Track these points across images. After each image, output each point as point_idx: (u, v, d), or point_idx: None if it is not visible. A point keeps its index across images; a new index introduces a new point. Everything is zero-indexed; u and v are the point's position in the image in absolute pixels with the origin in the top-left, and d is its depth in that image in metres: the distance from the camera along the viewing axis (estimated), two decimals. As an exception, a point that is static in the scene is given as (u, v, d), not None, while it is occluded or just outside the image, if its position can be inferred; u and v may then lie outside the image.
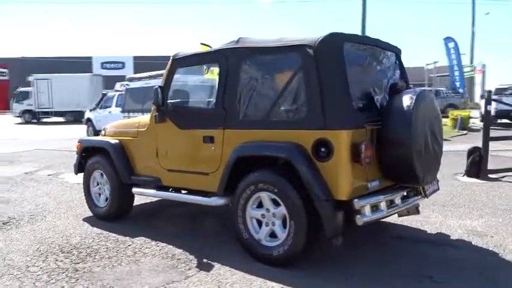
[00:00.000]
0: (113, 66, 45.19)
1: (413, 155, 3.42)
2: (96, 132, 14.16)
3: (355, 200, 3.26)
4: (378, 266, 3.65)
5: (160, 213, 5.57)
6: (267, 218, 3.64)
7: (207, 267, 3.67)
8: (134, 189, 4.80)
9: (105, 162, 5.05)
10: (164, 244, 4.27)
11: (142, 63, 41.92)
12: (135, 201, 5.30)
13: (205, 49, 19.41)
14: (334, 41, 3.47)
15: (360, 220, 3.25)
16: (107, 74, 36.03)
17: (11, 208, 5.86)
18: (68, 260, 3.91)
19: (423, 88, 4.02)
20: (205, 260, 3.82)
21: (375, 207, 3.37)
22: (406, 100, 3.49)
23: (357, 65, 3.77)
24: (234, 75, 3.90)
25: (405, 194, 3.75)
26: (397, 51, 4.30)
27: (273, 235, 3.65)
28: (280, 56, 3.69)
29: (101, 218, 5.15)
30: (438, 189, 4.23)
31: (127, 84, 13.50)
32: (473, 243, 4.18)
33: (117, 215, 5.09)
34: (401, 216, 4.36)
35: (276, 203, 3.57)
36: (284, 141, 3.51)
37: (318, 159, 3.34)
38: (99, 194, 5.29)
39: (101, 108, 15.31)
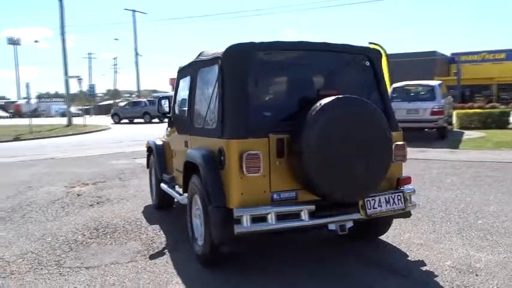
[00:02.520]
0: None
1: (313, 166, 3.23)
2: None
3: (235, 209, 3.29)
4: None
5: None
6: (200, 218, 3.94)
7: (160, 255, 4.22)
8: (161, 185, 5.60)
9: (153, 160, 6.03)
10: (157, 233, 4.96)
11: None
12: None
13: (374, 48, 19.02)
14: (238, 52, 3.53)
15: (235, 230, 3.27)
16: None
17: (115, 192, 7.42)
18: (88, 233, 5.00)
19: (347, 96, 3.51)
20: (166, 251, 4.36)
21: (259, 219, 3.30)
22: (314, 108, 3.29)
23: (277, 73, 3.68)
24: (192, 86, 4.32)
25: (315, 208, 3.42)
26: (368, 54, 3.92)
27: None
28: (209, 68, 3.93)
29: (154, 208, 6.13)
30: (403, 209, 3.67)
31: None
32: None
33: (159, 206, 6.00)
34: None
35: None
36: (205, 148, 3.75)
37: (220, 167, 3.49)
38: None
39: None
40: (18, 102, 54.95)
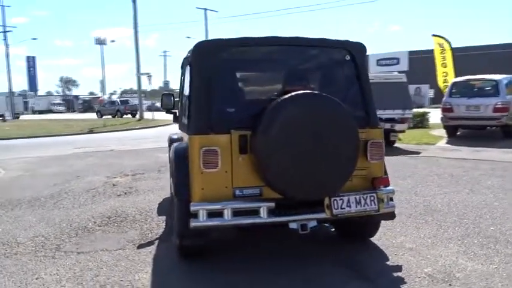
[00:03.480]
0: (388, 62, 45.57)
1: (268, 163, 3.22)
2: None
3: (192, 203, 3.35)
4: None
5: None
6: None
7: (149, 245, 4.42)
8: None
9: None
10: (159, 224, 5.16)
11: (417, 58, 40.72)
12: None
13: (437, 41, 17.90)
14: (203, 49, 3.57)
15: (191, 223, 3.32)
16: (382, 70, 37.05)
17: (147, 184, 7.80)
18: (100, 221, 5.35)
19: (307, 92, 3.37)
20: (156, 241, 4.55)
21: (216, 214, 3.33)
22: (272, 105, 3.25)
23: (245, 70, 3.66)
24: (181, 83, 4.46)
25: (275, 206, 3.38)
26: (349, 48, 3.78)
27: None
28: (188, 64, 4.00)
29: (170, 200, 6.38)
30: (376, 211, 3.50)
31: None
32: None
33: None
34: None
35: None
36: (185, 144, 3.85)
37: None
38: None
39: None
40: (101, 98, 59.46)
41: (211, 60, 3.53)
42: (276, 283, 3.45)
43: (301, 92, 3.32)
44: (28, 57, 63.05)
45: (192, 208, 3.33)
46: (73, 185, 7.84)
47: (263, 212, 3.36)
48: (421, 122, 16.68)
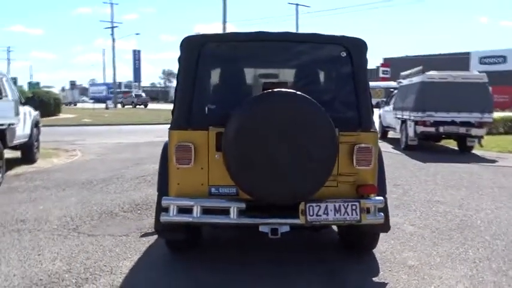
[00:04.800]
0: (493, 61, 41.65)
1: (232, 163, 3.12)
2: (383, 127, 14.67)
3: (163, 197, 3.37)
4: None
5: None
6: None
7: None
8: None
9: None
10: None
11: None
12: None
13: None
14: (188, 44, 3.53)
15: (161, 218, 3.34)
16: (486, 70, 33.96)
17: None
18: (127, 207, 5.65)
19: (279, 91, 3.14)
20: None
21: (186, 211, 3.30)
22: (245, 103, 3.16)
23: (229, 66, 3.55)
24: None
25: (246, 207, 3.25)
26: (346, 45, 3.51)
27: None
28: None
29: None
30: (357, 221, 3.23)
31: (399, 82, 13.42)
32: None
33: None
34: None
35: None
36: None
37: None
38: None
39: (387, 105, 15.67)
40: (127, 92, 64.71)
41: (195, 56, 3.49)
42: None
43: (271, 90, 3.16)
44: (134, 51, 68.29)
45: (163, 202, 3.36)
46: (128, 172, 8.33)
47: (233, 213, 3.28)
48: (512, 127, 15.06)
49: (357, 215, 3.26)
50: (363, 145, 3.37)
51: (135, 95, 53.34)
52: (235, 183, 3.23)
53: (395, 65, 45.17)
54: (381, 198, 3.42)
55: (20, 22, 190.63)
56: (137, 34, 78.44)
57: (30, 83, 59.73)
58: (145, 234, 4.57)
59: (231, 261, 3.85)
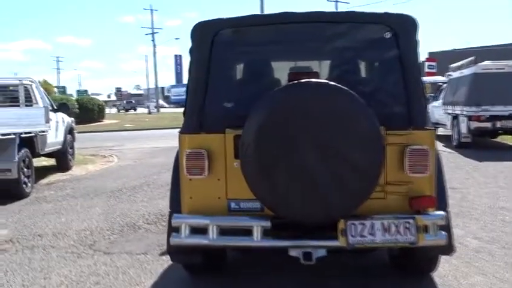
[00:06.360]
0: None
1: (249, 172, 2.53)
2: (431, 124, 13.63)
3: (174, 215, 2.83)
4: None
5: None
6: None
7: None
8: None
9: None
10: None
11: None
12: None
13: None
14: (199, 32, 2.95)
15: (170, 240, 2.79)
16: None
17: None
18: (152, 218, 5.20)
19: (308, 81, 2.47)
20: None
21: (199, 231, 2.73)
22: (264, 97, 2.55)
23: (249, 56, 2.95)
24: None
25: (272, 226, 2.64)
26: (391, 24, 2.84)
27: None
28: None
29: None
30: (412, 244, 2.57)
31: (449, 75, 12.34)
32: None
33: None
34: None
35: None
36: None
37: None
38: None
39: (435, 100, 14.55)
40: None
41: (208, 46, 2.91)
42: None
43: (296, 82, 2.53)
44: (176, 56, 69.16)
45: (173, 221, 2.82)
46: (159, 178, 7.93)
47: (256, 233, 2.68)
48: None
49: (411, 235, 2.59)
50: (416, 147, 2.68)
51: (126, 102, 60.62)
52: (255, 196, 2.63)
53: (442, 60, 42.98)
54: (442, 213, 2.72)
55: (71, 33, 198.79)
56: (177, 39, 79.08)
57: (78, 91, 61.76)
58: (165, 253, 4.07)
59: (260, 286, 3.27)
